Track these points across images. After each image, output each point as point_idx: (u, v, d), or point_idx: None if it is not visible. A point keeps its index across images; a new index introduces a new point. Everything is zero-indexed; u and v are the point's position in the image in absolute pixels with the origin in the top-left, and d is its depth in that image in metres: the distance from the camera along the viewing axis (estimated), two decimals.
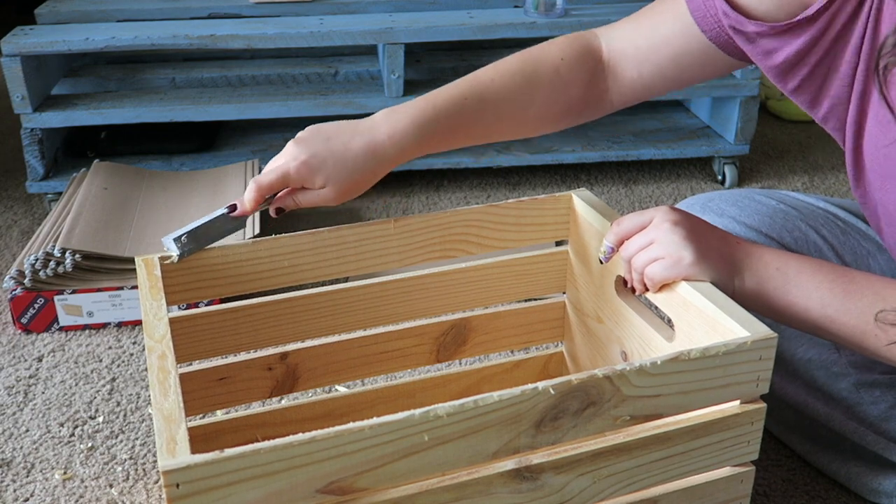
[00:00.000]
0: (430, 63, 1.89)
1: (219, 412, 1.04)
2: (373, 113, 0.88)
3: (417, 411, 0.63)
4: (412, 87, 1.72)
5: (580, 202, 0.96)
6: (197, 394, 0.92)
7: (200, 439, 0.94)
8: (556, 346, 1.09)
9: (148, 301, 0.80)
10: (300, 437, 0.60)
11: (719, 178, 1.84)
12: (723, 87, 1.77)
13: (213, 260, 0.88)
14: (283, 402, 1.03)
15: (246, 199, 0.85)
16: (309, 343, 0.96)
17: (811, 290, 0.78)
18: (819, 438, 1.00)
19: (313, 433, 0.61)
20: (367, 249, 0.92)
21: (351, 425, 0.61)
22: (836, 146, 2.03)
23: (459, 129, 0.89)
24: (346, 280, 1.00)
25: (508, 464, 0.69)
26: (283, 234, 0.89)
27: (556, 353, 1.08)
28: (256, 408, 1.05)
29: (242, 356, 0.94)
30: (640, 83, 0.94)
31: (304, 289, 0.94)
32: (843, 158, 1.96)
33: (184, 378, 0.91)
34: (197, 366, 0.93)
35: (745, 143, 1.81)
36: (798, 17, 0.79)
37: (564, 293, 1.04)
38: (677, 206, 1.06)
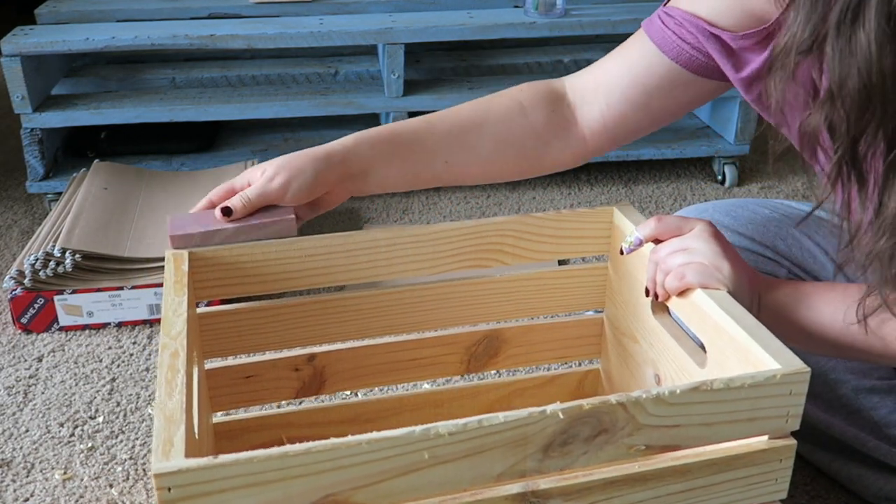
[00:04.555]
0: (430, 63, 1.89)
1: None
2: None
3: (418, 428, 0.61)
4: (412, 87, 1.72)
5: (621, 216, 0.93)
6: (223, 390, 0.92)
7: (225, 436, 0.93)
8: (591, 363, 1.05)
9: (170, 296, 0.78)
10: (296, 447, 0.59)
11: (719, 178, 1.84)
12: None
13: (242, 258, 0.87)
14: (309, 403, 1.02)
15: (236, 204, 0.87)
16: (337, 346, 0.95)
17: (822, 305, 0.80)
18: (819, 442, 1.00)
19: (309, 444, 0.59)
20: (399, 254, 0.91)
21: (348, 439, 0.60)
22: None
23: (410, 145, 0.90)
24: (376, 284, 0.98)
25: (514, 487, 0.66)
26: (314, 236, 0.89)
27: (593, 371, 1.05)
28: (283, 407, 1.05)
29: (270, 355, 0.93)
30: (610, 113, 0.92)
31: (333, 291, 0.92)
32: None
33: (210, 374, 0.90)
34: (223, 362, 0.92)
35: (745, 143, 1.81)
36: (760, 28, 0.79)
37: (602, 310, 1.01)
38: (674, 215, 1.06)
